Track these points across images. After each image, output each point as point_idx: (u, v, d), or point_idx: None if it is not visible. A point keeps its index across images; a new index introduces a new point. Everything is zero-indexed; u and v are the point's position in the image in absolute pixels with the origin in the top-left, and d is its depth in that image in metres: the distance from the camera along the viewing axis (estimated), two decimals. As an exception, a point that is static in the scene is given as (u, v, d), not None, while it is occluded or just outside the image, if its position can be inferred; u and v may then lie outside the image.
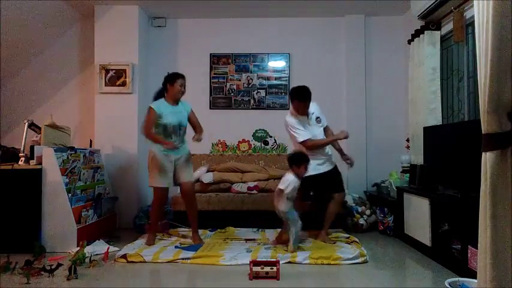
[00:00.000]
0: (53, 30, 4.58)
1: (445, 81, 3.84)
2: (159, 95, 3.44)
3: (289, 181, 3.10)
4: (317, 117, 3.46)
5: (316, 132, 3.42)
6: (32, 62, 4.73)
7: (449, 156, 3.04)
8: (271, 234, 3.64)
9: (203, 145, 4.12)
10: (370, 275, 2.74)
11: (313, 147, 3.36)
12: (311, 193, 3.49)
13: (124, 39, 4.41)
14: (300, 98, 3.33)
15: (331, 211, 3.42)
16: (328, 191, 3.45)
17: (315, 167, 3.35)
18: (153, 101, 3.42)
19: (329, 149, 3.55)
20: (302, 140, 3.33)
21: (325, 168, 3.42)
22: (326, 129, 3.57)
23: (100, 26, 4.43)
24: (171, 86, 3.35)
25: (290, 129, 3.40)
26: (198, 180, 4.11)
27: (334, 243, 3.34)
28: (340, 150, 3.62)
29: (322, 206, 3.48)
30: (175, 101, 3.41)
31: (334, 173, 3.49)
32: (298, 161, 3.16)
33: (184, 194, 3.45)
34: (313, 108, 3.46)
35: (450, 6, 3.38)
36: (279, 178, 3.56)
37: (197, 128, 3.52)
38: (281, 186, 3.11)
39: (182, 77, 3.39)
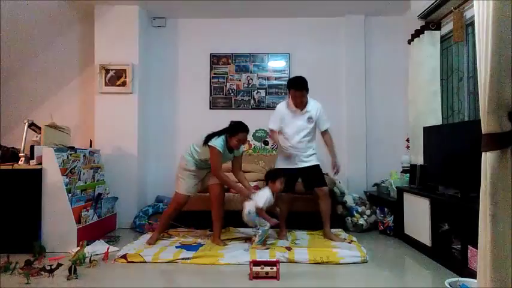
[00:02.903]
0: (53, 30, 4.58)
1: (445, 81, 3.84)
2: (221, 133, 3.33)
3: (265, 198, 3.23)
4: (309, 117, 3.48)
5: (300, 126, 3.46)
6: (32, 62, 4.73)
7: (449, 156, 3.04)
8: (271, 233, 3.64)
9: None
10: (370, 275, 2.74)
11: (271, 137, 3.65)
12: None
13: (124, 39, 4.41)
14: (295, 86, 3.40)
15: (322, 208, 3.49)
16: (307, 188, 3.54)
17: (280, 161, 3.53)
18: (211, 135, 3.31)
19: (302, 150, 3.46)
20: (269, 126, 3.54)
21: (293, 165, 3.45)
22: (324, 133, 3.60)
23: (100, 26, 4.43)
24: (230, 137, 3.30)
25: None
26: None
27: (345, 239, 3.42)
28: (331, 154, 3.58)
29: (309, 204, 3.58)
30: (231, 150, 3.38)
31: (309, 171, 3.47)
32: (272, 176, 3.33)
33: (218, 194, 3.41)
34: (312, 107, 3.50)
35: (450, 6, 3.38)
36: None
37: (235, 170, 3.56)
38: (260, 204, 3.21)
39: (245, 130, 3.34)
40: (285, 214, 3.57)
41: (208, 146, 3.24)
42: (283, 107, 3.54)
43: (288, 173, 3.40)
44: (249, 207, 3.26)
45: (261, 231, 3.23)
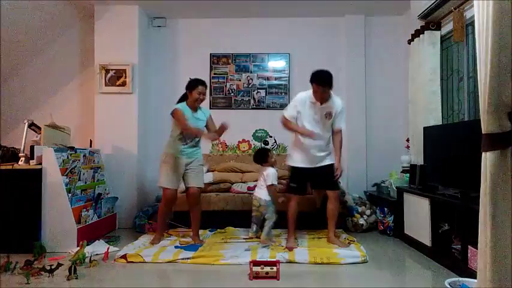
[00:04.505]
0: (53, 30, 4.58)
1: (445, 81, 3.84)
2: (182, 99, 3.47)
3: (273, 173, 3.42)
4: (328, 112, 3.24)
5: (316, 119, 3.23)
6: (32, 62, 4.73)
7: (449, 156, 3.04)
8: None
9: (203, 145, 4.12)
10: (370, 275, 2.74)
11: (283, 123, 3.33)
12: (294, 185, 3.33)
13: (124, 39, 4.41)
14: (317, 81, 3.10)
15: (329, 210, 3.33)
16: (318, 188, 3.51)
17: (295, 159, 3.34)
18: (176, 103, 3.45)
19: (319, 147, 3.28)
20: (283, 113, 3.34)
21: (306, 164, 3.27)
22: (336, 133, 3.35)
23: (100, 26, 4.42)
24: (190, 93, 3.36)
25: None
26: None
27: (349, 244, 3.28)
28: (335, 156, 3.35)
29: (321, 206, 3.50)
30: (194, 108, 3.42)
31: (322, 171, 3.28)
32: (262, 156, 3.52)
33: (189, 198, 3.46)
34: (334, 103, 3.25)
35: (450, 6, 3.38)
36: (279, 178, 3.64)
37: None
38: (271, 182, 3.39)
39: (202, 84, 3.37)
40: (294, 216, 3.34)
41: (171, 114, 3.35)
42: (304, 95, 3.26)
43: (301, 173, 3.28)
44: (262, 196, 3.41)
45: (270, 223, 3.36)
